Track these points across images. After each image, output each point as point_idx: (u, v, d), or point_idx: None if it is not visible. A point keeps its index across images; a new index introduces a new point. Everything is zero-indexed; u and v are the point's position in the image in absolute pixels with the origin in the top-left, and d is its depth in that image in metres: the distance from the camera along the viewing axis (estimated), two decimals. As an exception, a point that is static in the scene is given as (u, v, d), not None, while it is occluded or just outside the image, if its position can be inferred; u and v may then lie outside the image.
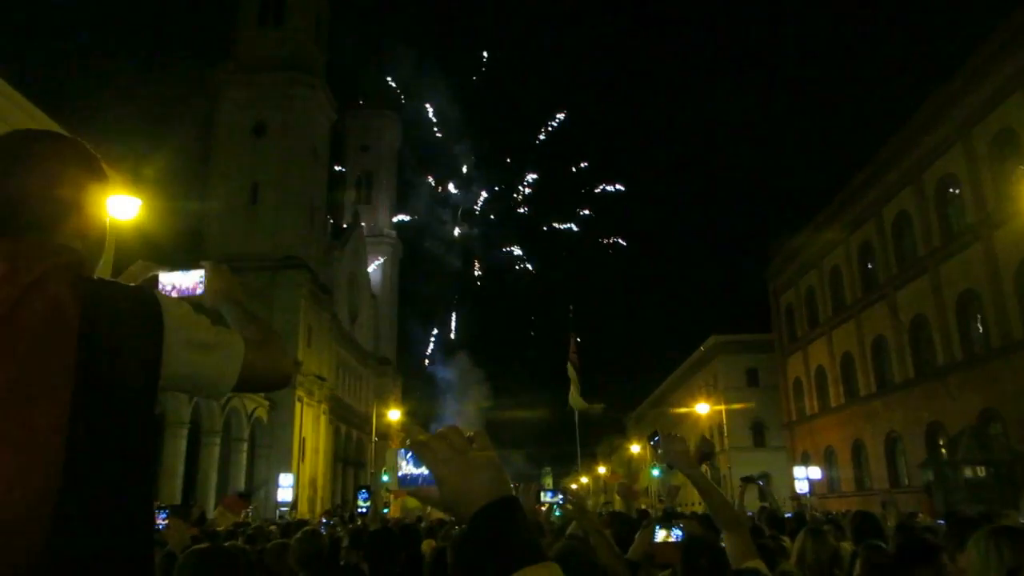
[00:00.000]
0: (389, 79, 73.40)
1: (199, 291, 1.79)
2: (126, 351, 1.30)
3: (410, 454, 1.10)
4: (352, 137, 70.70)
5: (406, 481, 1.10)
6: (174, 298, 1.51)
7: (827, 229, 38.09)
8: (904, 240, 31.72)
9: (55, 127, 23.22)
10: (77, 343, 1.23)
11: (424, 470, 1.07)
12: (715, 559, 3.50)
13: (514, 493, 1.07)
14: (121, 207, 16.28)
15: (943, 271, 28.33)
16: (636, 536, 4.38)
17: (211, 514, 13.27)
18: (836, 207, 37.03)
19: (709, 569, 3.45)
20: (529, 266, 75.07)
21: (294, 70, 48.69)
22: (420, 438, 1.09)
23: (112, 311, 1.31)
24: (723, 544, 3.17)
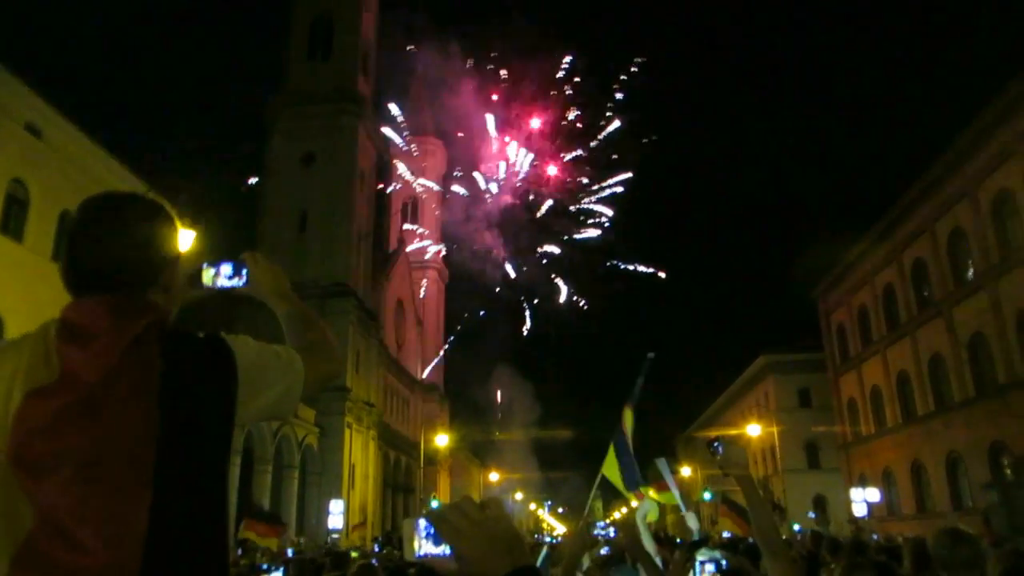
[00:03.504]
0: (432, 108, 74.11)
1: (242, 283, 1.83)
2: (204, 404, 1.42)
3: (427, 526, 1.07)
4: (399, 164, 71.72)
5: (423, 558, 1.07)
6: (242, 340, 1.57)
7: (879, 246, 37.36)
8: (959, 256, 30.91)
9: (113, 163, 24.14)
10: (159, 401, 1.36)
11: (443, 548, 1.05)
12: None
13: (532, 562, 1.09)
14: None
15: (1002, 286, 27.51)
16: (671, 569, 4.31)
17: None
18: (887, 223, 36.27)
19: None
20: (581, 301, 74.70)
21: (341, 101, 49.77)
22: (437, 510, 1.09)
23: (191, 366, 1.44)
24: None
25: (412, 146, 71.59)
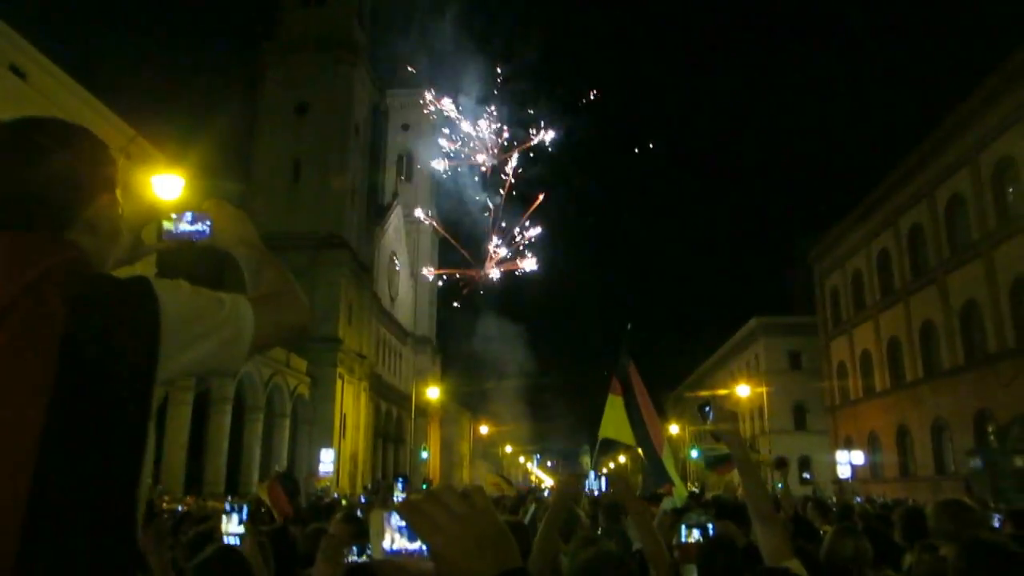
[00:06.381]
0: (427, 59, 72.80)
1: (205, 232, 1.69)
2: (116, 354, 1.22)
3: (399, 520, 0.92)
4: (393, 116, 70.74)
5: (394, 554, 0.91)
6: (173, 284, 1.38)
7: (876, 211, 37.21)
8: (957, 223, 30.77)
9: (100, 106, 23.65)
10: (60, 348, 1.16)
11: (419, 544, 0.90)
12: (731, 560, 3.35)
13: (522, 564, 0.93)
14: (165, 186, 16.51)
15: (998, 255, 27.44)
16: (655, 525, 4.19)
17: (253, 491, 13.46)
18: (886, 189, 36.08)
19: (724, 572, 3.31)
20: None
21: (336, 49, 48.81)
22: (411, 501, 0.92)
23: (103, 312, 1.23)
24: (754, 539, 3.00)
25: (408, 97, 70.44)
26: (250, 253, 1.68)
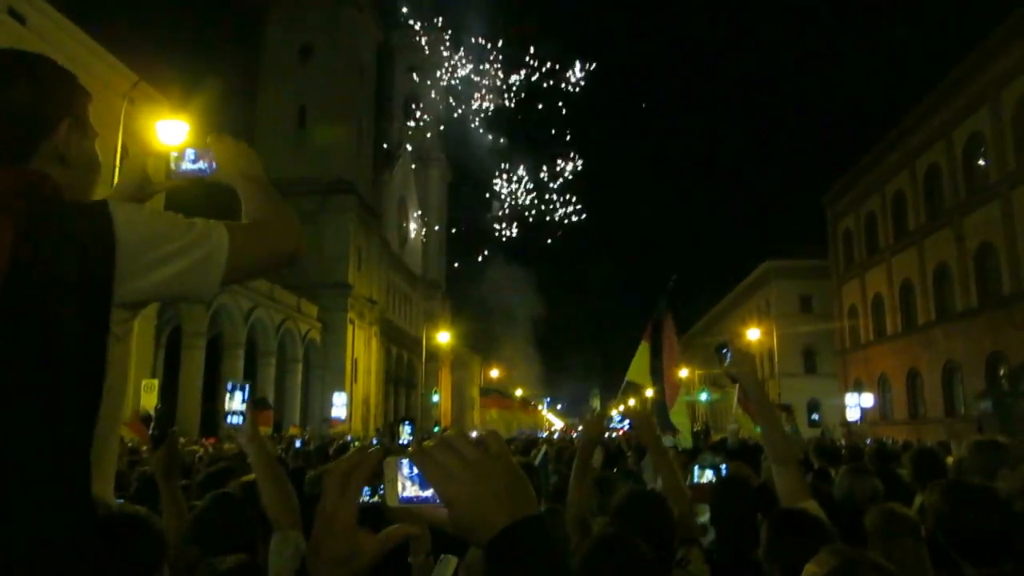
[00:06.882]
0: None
1: (208, 168, 1.68)
2: (67, 275, 1.17)
3: (412, 467, 0.88)
4: (399, 58, 69.61)
5: (407, 502, 0.88)
6: (134, 207, 1.34)
7: (893, 151, 36.57)
8: (975, 164, 30.23)
9: (102, 51, 23.25)
10: (8, 269, 1.12)
11: (431, 492, 0.86)
12: (745, 502, 3.31)
13: (537, 510, 0.88)
14: (169, 131, 16.33)
15: (1015, 196, 27.00)
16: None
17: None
18: (903, 130, 35.39)
19: (736, 513, 3.27)
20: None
21: (341, -11, 47.78)
22: (425, 445, 0.88)
23: (55, 234, 1.18)
24: (772, 480, 2.97)
25: (416, 39, 69.19)
26: (249, 186, 1.63)
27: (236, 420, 2.54)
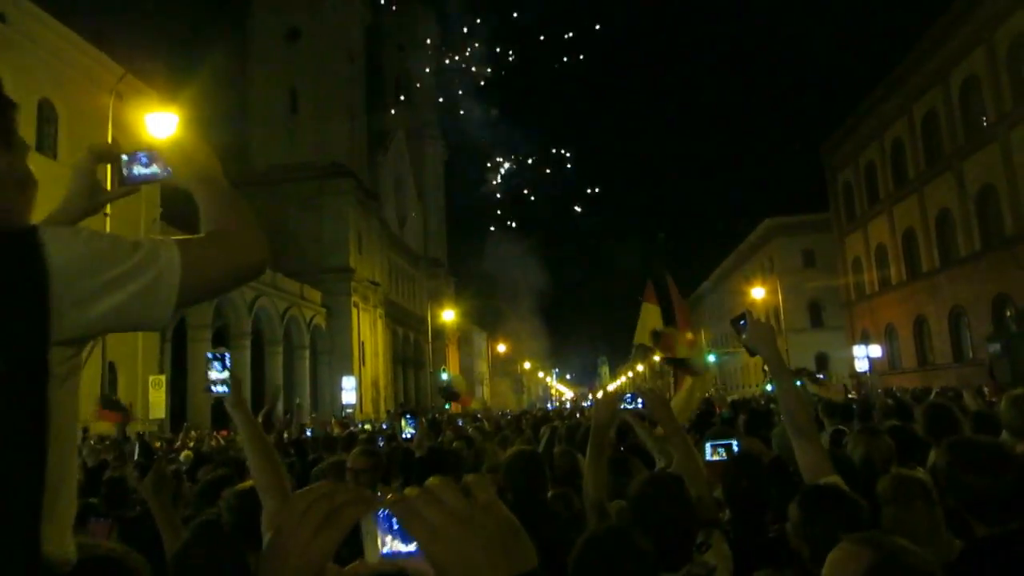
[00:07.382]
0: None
1: (162, 172, 1.54)
2: None
3: (389, 520, 0.78)
4: (388, 37, 68.84)
5: (389, 557, 0.78)
6: (69, 231, 1.21)
7: (889, 99, 36.22)
8: (972, 107, 29.93)
9: (86, 46, 23.03)
10: None
11: (415, 545, 0.77)
12: (756, 480, 3.27)
13: (534, 564, 0.79)
14: (159, 124, 16.21)
15: (1014, 136, 26.76)
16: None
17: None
18: (898, 76, 35.03)
19: (749, 491, 3.23)
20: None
21: (322, -32, 47.16)
22: (404, 500, 0.78)
23: None
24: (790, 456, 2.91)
25: (402, 16, 68.37)
26: (206, 189, 1.46)
27: (221, 389, 2.52)
